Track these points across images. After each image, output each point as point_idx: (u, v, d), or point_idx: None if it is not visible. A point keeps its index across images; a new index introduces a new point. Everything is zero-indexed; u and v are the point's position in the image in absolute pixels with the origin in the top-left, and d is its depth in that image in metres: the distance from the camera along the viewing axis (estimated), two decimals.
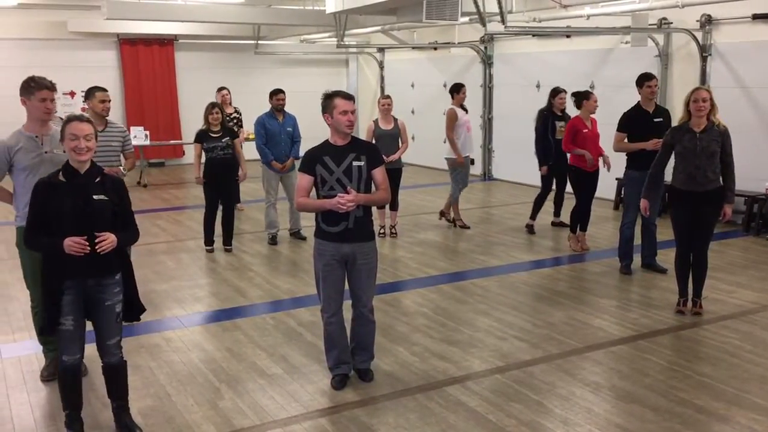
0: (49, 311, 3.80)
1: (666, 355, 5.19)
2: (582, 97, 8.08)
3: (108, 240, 3.74)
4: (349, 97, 4.43)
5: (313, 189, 4.53)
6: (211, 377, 4.89)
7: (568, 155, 8.09)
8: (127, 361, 4.16)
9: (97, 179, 3.87)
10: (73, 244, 3.66)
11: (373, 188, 4.57)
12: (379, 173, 4.52)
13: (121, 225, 3.90)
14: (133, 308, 4.08)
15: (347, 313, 4.74)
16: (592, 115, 8.10)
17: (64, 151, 3.89)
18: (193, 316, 6.22)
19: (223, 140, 8.04)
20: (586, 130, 7.90)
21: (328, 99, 4.42)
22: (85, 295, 3.85)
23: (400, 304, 6.53)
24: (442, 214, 9.73)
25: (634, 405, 4.40)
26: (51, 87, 4.65)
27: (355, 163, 4.42)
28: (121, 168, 6.02)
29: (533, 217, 9.24)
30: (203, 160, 8.17)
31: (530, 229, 9.22)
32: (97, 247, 3.71)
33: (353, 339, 4.81)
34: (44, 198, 3.78)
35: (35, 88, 4.59)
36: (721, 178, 5.80)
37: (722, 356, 5.14)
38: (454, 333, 5.68)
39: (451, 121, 9.05)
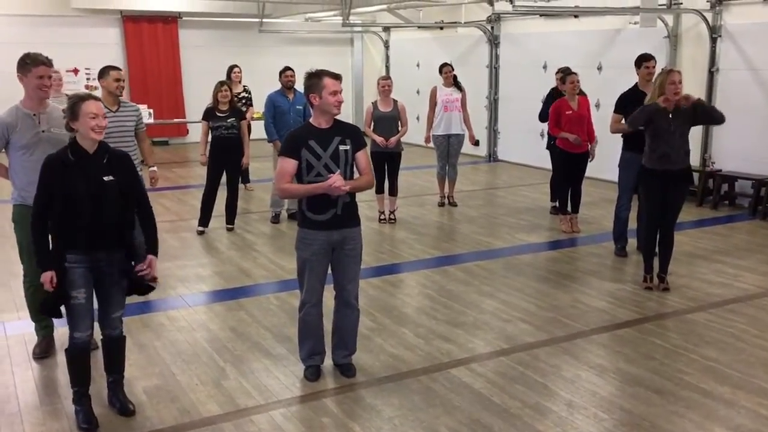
0: (59, 289, 3.77)
1: (671, 338, 5.17)
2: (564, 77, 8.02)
3: (153, 267, 3.96)
4: (337, 77, 4.22)
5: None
6: (216, 357, 4.89)
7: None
8: (126, 336, 4.20)
9: (105, 159, 3.84)
10: (47, 281, 3.74)
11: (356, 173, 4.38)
12: (363, 157, 4.34)
13: (133, 203, 3.92)
14: (140, 285, 4.08)
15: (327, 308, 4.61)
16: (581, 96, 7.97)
17: (72, 129, 3.78)
18: (197, 295, 6.21)
19: (228, 120, 7.94)
20: (570, 112, 7.79)
21: (315, 78, 4.17)
22: (95, 268, 3.85)
23: (404, 285, 6.51)
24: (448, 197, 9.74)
25: (639, 388, 4.39)
26: (47, 63, 4.55)
27: (341, 147, 4.22)
28: (152, 168, 6.21)
29: (553, 199, 9.13)
30: (209, 138, 8.10)
31: (554, 210, 9.06)
32: (141, 274, 3.93)
33: (335, 332, 4.61)
34: (55, 177, 3.72)
35: (31, 65, 4.49)
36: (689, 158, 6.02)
37: (728, 340, 5.12)
38: (458, 315, 5.67)
39: (430, 99, 9.28)
